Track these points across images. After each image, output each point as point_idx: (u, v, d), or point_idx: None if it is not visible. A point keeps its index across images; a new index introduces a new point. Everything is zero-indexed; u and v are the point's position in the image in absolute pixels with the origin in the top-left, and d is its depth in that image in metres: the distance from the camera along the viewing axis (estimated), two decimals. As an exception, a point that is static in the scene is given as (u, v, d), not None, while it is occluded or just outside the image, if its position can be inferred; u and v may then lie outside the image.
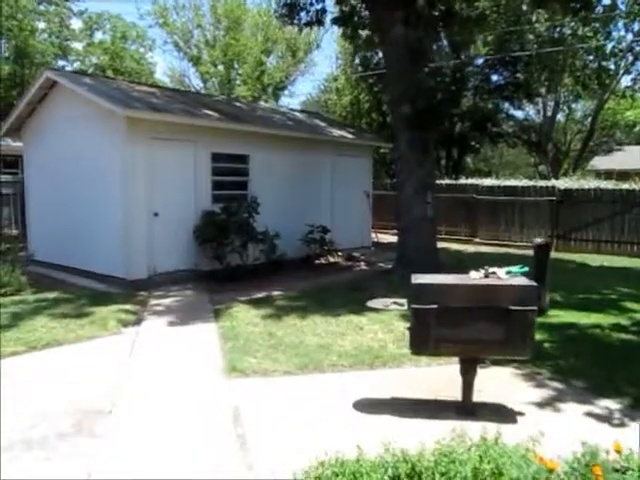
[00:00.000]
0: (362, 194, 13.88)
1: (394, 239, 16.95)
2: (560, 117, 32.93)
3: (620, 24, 25.60)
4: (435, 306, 4.07)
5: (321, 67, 65.16)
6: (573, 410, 4.51)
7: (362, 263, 12.41)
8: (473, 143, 28.62)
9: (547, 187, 16.15)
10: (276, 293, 8.98)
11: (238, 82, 29.50)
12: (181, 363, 5.49)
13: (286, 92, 33.74)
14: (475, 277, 4.27)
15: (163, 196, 9.42)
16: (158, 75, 31.50)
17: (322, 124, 14.33)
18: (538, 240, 4.39)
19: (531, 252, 15.49)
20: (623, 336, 6.83)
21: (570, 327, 7.14)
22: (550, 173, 30.32)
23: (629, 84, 27.79)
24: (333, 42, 40.75)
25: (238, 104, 14.24)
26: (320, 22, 11.55)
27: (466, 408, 4.34)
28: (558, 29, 27.43)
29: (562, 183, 16.60)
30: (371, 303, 4.82)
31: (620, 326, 7.34)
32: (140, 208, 9.08)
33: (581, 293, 9.53)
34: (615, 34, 27.33)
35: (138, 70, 28.92)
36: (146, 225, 9.20)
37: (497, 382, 5.10)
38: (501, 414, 4.38)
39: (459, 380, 4.37)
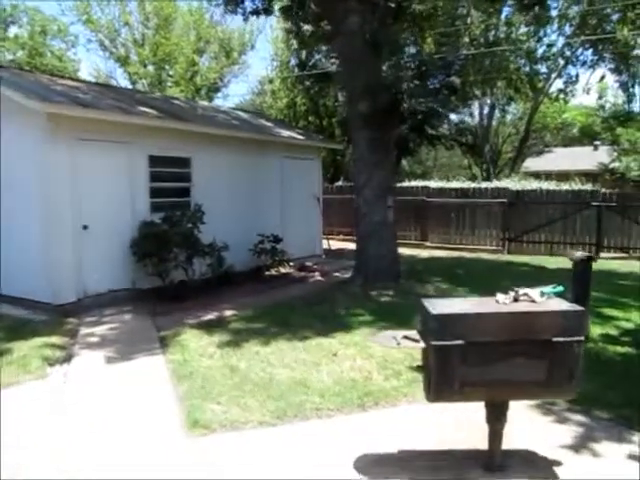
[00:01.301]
0: (312, 199, 12.99)
1: (346, 246, 16.24)
2: (496, 120, 33.34)
3: (552, 28, 26.07)
4: (461, 342, 3.20)
5: (256, 69, 63.79)
6: (613, 452, 3.78)
7: (316, 273, 11.49)
8: (412, 145, 28.39)
9: (499, 189, 15.85)
10: (229, 313, 7.91)
11: (170, 83, 27.93)
12: (126, 418, 4.36)
13: (220, 94, 32.43)
14: (503, 301, 3.44)
15: (93, 206, 8.14)
16: (82, 75, 29.38)
17: (268, 124, 13.34)
18: (578, 253, 3.60)
19: (486, 256, 15.28)
20: (619, 349, 6.26)
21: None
22: (485, 174, 30.60)
23: (561, 87, 28.43)
24: (268, 43, 39.64)
25: (176, 102, 12.99)
26: (267, 11, 10.58)
27: (494, 462, 3.51)
28: (493, 32, 27.72)
29: (513, 185, 16.38)
30: (377, 338, 3.91)
31: (610, 337, 6.80)
32: (65, 220, 7.78)
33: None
34: (546, 39, 27.95)
35: (60, 68, 26.73)
36: (73, 240, 7.89)
37: (511, 417, 4.31)
38: (536, 466, 3.58)
39: (470, 421, 3.57)
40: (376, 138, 9.76)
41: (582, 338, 3.27)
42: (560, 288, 3.56)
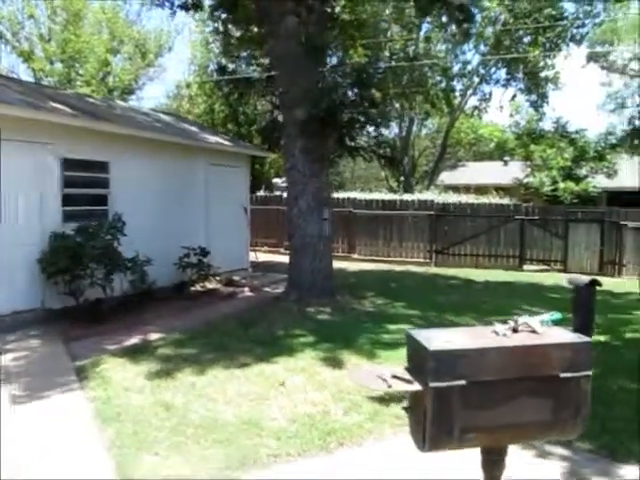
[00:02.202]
0: (240, 209, 12.29)
1: (272, 258, 15.64)
2: (414, 133, 34.06)
3: (469, 46, 26.98)
4: (463, 382, 2.73)
5: (173, 72, 61.73)
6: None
7: (245, 288, 10.81)
8: (332, 156, 28.29)
9: (425, 201, 15.87)
10: (155, 336, 7.09)
11: (80, 83, 26.05)
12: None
13: (134, 97, 30.83)
14: (503, 332, 3.01)
15: (-6, 214, 7.06)
16: (-22, 71, 26.82)
17: (193, 128, 12.51)
18: (583, 278, 3.23)
19: (414, 268, 15.21)
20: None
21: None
22: (403, 187, 31.13)
23: (476, 104, 29.51)
24: (186, 47, 38.18)
25: (91, 100, 11.84)
26: (196, 6, 9.84)
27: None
28: (412, 47, 28.29)
29: (439, 197, 16.50)
30: (358, 378, 3.34)
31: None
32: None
33: (496, 314, 8.91)
34: (462, 57, 28.94)
35: (-48, 62, 24.28)
36: (-31, 254, 6.78)
37: (487, 455, 3.93)
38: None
39: (448, 462, 3.13)
40: (312, 147, 9.30)
41: (589, 373, 2.90)
42: (558, 315, 3.19)
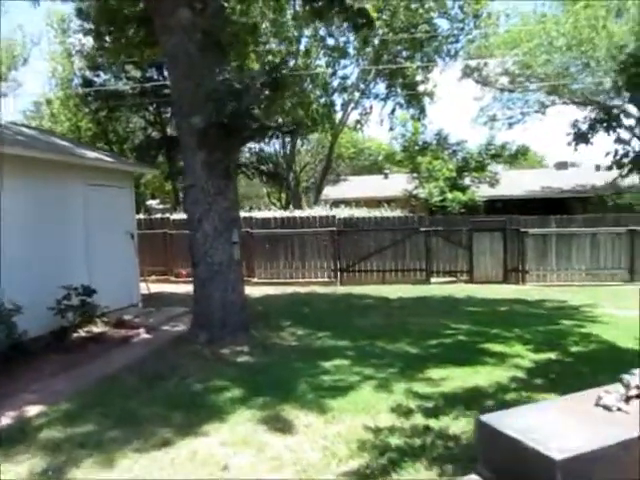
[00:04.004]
0: (126, 235, 10.59)
1: (163, 288, 13.88)
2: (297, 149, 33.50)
3: (350, 61, 26.93)
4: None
5: (31, 87, 56.14)
6: None
7: (141, 330, 9.14)
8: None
9: (327, 217, 15.04)
10: (35, 410, 5.38)
11: None
12: None
13: (-16, 114, 27.17)
14: (613, 403, 2.05)
15: None
16: None
17: (65, 143, 10.57)
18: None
19: (320, 289, 14.19)
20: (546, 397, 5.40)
21: (476, 396, 5.47)
22: (287, 203, 30.43)
23: (358, 118, 29.53)
24: (45, 60, 34.39)
25: None
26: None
27: None
28: (293, 62, 27.73)
29: (341, 212, 15.80)
30: None
31: (522, 380, 5.98)
32: None
33: (430, 337, 8.15)
34: (341, 72, 28.88)
35: None
36: None
37: None
38: None
39: None
40: (215, 161, 8.03)
41: None
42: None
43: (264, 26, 25.71)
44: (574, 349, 7.36)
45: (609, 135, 17.38)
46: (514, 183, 24.27)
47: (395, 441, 4.39)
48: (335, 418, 4.94)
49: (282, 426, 4.78)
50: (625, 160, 16.97)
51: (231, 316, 8.26)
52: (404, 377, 6.14)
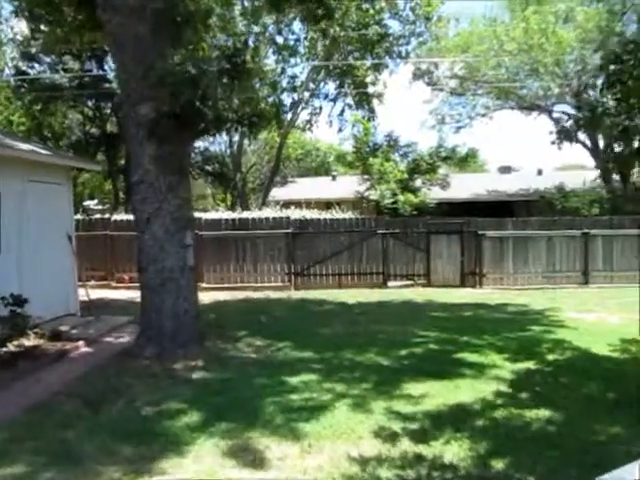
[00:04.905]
0: (63, 238, 9.60)
1: (104, 294, 12.79)
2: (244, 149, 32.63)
3: (301, 59, 26.32)
4: None
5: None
6: None
7: (80, 342, 8.18)
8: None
9: (281, 219, 14.38)
10: (-51, 447, 4.49)
11: None
12: None
13: None
14: None
15: None
16: None
17: (-7, 135, 9.48)
18: None
19: (273, 294, 13.42)
20: (529, 412, 4.96)
21: (462, 414, 4.99)
22: (234, 204, 29.54)
23: (307, 118, 28.97)
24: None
25: None
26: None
27: None
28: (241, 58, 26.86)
29: (292, 214, 15.16)
30: None
31: (507, 395, 5.55)
32: None
33: (399, 347, 7.64)
34: (290, 71, 28.26)
35: None
36: None
37: None
38: None
39: None
40: (167, 154, 7.26)
41: None
42: None
43: (212, 20, 24.86)
44: (551, 357, 7.01)
45: (594, 133, 17.49)
46: (462, 186, 24.38)
47: (386, 474, 3.83)
48: (312, 447, 4.32)
49: (252, 459, 4.12)
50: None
51: (183, 327, 7.50)
52: (381, 394, 5.59)
